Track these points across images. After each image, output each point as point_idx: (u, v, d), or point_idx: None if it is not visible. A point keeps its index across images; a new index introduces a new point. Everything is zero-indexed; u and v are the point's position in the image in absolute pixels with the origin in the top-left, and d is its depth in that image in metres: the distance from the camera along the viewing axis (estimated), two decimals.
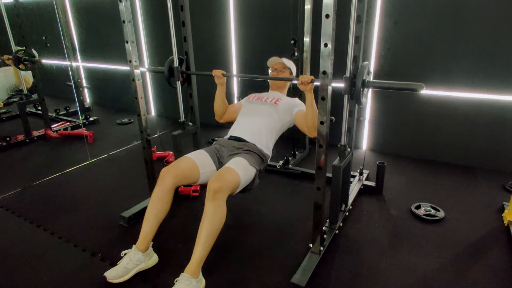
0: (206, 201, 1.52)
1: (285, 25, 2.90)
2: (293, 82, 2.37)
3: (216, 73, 2.06)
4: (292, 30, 2.71)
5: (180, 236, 1.91)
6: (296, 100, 2.13)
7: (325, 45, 1.35)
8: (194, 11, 2.37)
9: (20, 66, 3.41)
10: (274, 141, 2.00)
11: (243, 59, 3.40)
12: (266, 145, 1.92)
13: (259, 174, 1.82)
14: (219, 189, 1.50)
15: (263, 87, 3.38)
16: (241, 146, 1.87)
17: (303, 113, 1.93)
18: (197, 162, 1.75)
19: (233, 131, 2.00)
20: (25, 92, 3.60)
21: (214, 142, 1.99)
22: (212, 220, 1.48)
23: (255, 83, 3.41)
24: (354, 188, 2.26)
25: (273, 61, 2.25)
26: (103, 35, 4.30)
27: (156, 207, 1.65)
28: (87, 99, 4.87)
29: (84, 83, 4.77)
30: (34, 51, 3.40)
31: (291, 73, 2.25)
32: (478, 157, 2.63)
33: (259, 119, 1.98)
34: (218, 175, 1.56)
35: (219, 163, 1.82)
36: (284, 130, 2.08)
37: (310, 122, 1.83)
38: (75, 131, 3.65)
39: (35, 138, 3.48)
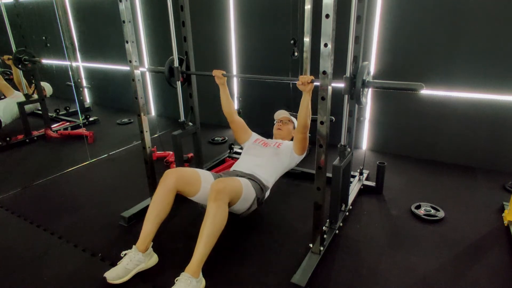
0: (208, 201, 1.53)
1: (285, 25, 2.91)
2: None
3: (216, 73, 2.07)
4: (292, 30, 2.71)
5: (180, 236, 1.91)
6: None
7: (325, 45, 1.35)
8: (194, 11, 2.37)
9: (20, 66, 3.41)
10: (274, 181, 2.05)
11: (243, 59, 3.40)
12: (266, 181, 1.96)
13: (258, 202, 1.86)
14: (222, 190, 1.53)
15: (263, 87, 3.39)
16: (243, 175, 1.92)
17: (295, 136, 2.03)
18: (201, 175, 1.78)
19: (236, 167, 2.05)
20: (25, 92, 3.60)
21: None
22: (214, 219, 1.49)
23: (255, 83, 3.42)
24: (354, 188, 2.26)
25: (280, 114, 2.40)
26: (103, 35, 4.30)
27: (157, 207, 1.65)
28: (87, 99, 4.87)
29: (84, 83, 4.77)
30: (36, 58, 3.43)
31: (294, 127, 2.34)
32: (478, 157, 2.63)
33: (261, 159, 2.04)
34: (221, 179, 1.61)
35: None
36: (288, 169, 2.16)
37: (302, 120, 1.87)
38: (75, 131, 3.65)
39: (35, 138, 3.48)
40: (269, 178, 1.98)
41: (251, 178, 1.88)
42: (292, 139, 2.39)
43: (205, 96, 2.67)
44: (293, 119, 2.41)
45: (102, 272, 1.55)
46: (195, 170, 1.81)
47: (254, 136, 2.30)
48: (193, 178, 1.74)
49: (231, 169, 2.06)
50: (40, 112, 3.68)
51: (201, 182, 1.75)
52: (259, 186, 1.88)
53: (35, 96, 3.61)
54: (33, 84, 3.54)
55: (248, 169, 1.96)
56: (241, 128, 2.25)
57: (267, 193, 1.98)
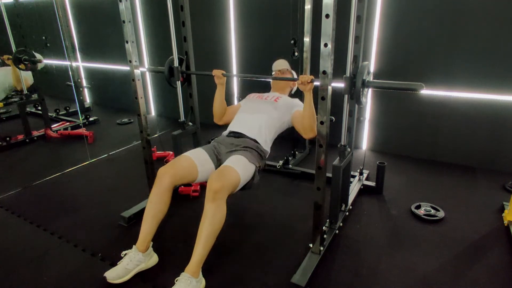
0: (206, 201, 1.51)
1: (285, 25, 2.91)
2: (296, 87, 2.39)
3: (216, 73, 2.06)
4: (292, 30, 2.71)
5: (180, 236, 1.91)
6: (297, 100, 2.14)
7: (325, 45, 1.35)
8: (194, 11, 2.37)
9: (20, 66, 3.41)
10: (273, 139, 2.00)
11: (243, 59, 3.40)
12: (265, 141, 1.91)
13: (259, 170, 1.82)
14: (219, 190, 1.49)
15: (263, 88, 3.38)
16: (240, 143, 1.86)
17: (301, 113, 1.93)
18: (195, 161, 1.74)
19: (232, 127, 2.00)
20: (25, 92, 3.60)
21: (213, 140, 1.98)
22: (212, 220, 1.48)
23: (255, 83, 3.41)
24: (354, 188, 2.26)
25: (278, 64, 2.31)
26: (103, 35, 4.30)
27: (154, 207, 1.64)
28: (87, 99, 4.87)
29: (84, 83, 4.77)
30: (38, 55, 3.41)
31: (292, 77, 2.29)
32: (478, 157, 2.63)
33: (259, 115, 1.98)
34: (218, 175, 1.55)
35: (217, 161, 1.82)
36: (283, 129, 2.08)
37: (307, 123, 1.83)
38: (75, 131, 3.65)
39: (35, 138, 3.48)
40: (268, 136, 1.92)
41: (248, 147, 1.82)
42: (290, 92, 2.36)
43: (205, 96, 2.67)
44: (293, 71, 2.36)
45: (102, 272, 1.55)
46: (189, 157, 1.75)
47: (246, 97, 2.24)
48: (188, 168, 1.70)
49: (227, 130, 2.00)
50: (40, 112, 3.68)
51: (197, 167, 1.72)
52: (258, 153, 1.83)
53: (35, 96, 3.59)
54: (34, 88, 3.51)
55: (245, 130, 1.90)
56: (232, 112, 2.17)
57: (267, 155, 1.94)
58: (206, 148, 1.86)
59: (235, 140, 1.89)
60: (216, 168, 1.75)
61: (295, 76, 2.29)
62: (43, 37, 3.85)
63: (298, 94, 2.50)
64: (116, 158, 3.07)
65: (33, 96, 3.62)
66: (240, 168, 1.65)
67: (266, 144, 1.92)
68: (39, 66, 3.68)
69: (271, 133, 1.96)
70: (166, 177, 1.64)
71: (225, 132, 2.02)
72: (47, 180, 2.65)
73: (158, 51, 3.94)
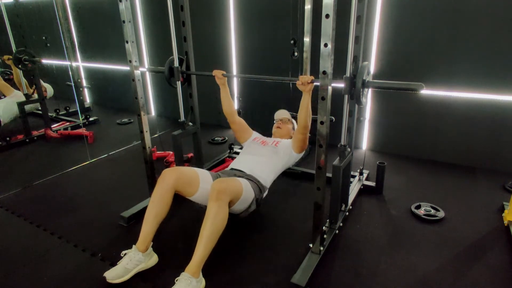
0: (209, 201, 1.53)
1: (285, 25, 2.91)
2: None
3: (216, 73, 2.06)
4: (292, 30, 2.71)
5: (180, 236, 1.91)
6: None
7: (325, 45, 1.35)
8: (194, 11, 2.37)
9: (20, 66, 3.42)
10: (273, 180, 2.05)
11: (243, 59, 3.40)
12: (264, 181, 1.96)
13: (257, 202, 1.85)
14: (223, 190, 1.53)
15: (263, 87, 3.39)
16: (241, 175, 1.91)
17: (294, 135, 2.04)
18: (199, 175, 1.78)
19: (234, 165, 2.05)
20: (25, 92, 3.61)
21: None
22: (214, 220, 1.49)
23: (255, 83, 3.42)
24: (354, 188, 2.26)
25: (280, 114, 2.42)
26: (103, 35, 4.30)
27: (156, 207, 1.65)
28: (87, 99, 4.87)
29: (84, 83, 4.76)
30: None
31: (293, 128, 2.37)
32: (478, 157, 2.63)
33: (260, 158, 2.04)
34: (222, 179, 1.61)
35: None
36: (287, 167, 2.17)
37: (302, 121, 1.87)
38: (75, 131, 3.65)
39: (35, 138, 3.48)
40: (267, 177, 1.98)
41: (250, 178, 1.88)
42: (291, 138, 2.40)
43: (205, 96, 2.67)
44: (293, 120, 2.42)
45: (102, 272, 1.55)
46: (194, 169, 1.80)
47: (254, 134, 2.30)
48: (192, 178, 1.74)
49: (229, 167, 2.06)
50: (40, 112, 3.68)
51: (199, 182, 1.74)
52: (258, 186, 1.88)
53: (35, 96, 3.61)
54: (34, 85, 3.54)
55: (246, 168, 1.96)
56: (242, 128, 2.26)
57: (265, 193, 1.98)
58: (211, 172, 1.91)
59: (238, 173, 1.95)
60: None
61: (296, 126, 2.32)
62: (43, 37, 3.85)
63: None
64: (116, 158, 3.07)
65: (33, 96, 3.62)
66: (243, 183, 1.72)
67: (265, 182, 1.97)
68: (48, 94, 3.85)
69: (270, 175, 2.01)
70: (170, 178, 1.66)
71: (227, 169, 2.07)
72: (47, 180, 2.65)
73: (158, 51, 3.93)
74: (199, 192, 1.74)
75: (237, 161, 2.08)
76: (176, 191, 1.71)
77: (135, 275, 1.59)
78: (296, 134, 2.02)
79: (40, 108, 3.62)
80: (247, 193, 1.74)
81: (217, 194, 1.52)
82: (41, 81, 3.67)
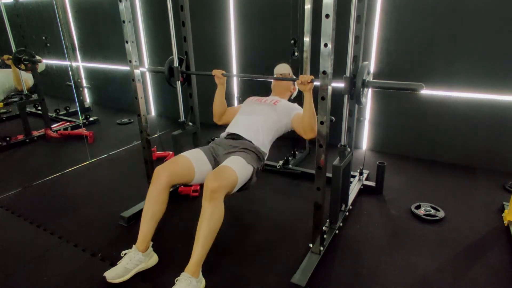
0: (203, 201, 1.50)
1: (285, 25, 2.90)
2: (296, 93, 2.39)
3: (216, 73, 2.06)
4: (292, 30, 2.71)
5: (180, 236, 1.91)
6: (295, 104, 2.14)
7: (325, 45, 1.35)
8: (194, 11, 2.37)
9: (20, 66, 3.41)
10: (272, 141, 2.00)
11: (243, 59, 3.40)
12: (263, 143, 1.91)
13: (257, 172, 1.81)
14: (216, 189, 1.48)
15: (263, 87, 3.38)
16: (238, 144, 1.85)
17: (300, 116, 1.93)
18: (192, 161, 1.73)
19: (230, 128, 2.00)
20: (25, 92, 3.60)
21: (211, 142, 1.98)
22: (210, 220, 1.48)
23: (255, 83, 3.41)
24: (354, 188, 2.26)
25: (280, 68, 2.34)
26: (103, 35, 4.30)
27: (152, 207, 1.64)
28: (87, 99, 4.87)
29: (84, 83, 4.77)
30: (38, 57, 3.41)
31: (293, 83, 2.29)
32: (478, 157, 2.63)
33: (257, 117, 1.98)
34: (215, 174, 1.54)
35: (215, 162, 1.81)
36: (282, 132, 2.08)
37: (306, 123, 1.82)
38: (75, 131, 3.65)
39: (35, 138, 3.48)
40: (266, 139, 1.92)
41: (247, 147, 1.82)
42: (290, 97, 2.36)
43: (205, 96, 2.67)
44: (294, 77, 2.36)
45: (102, 272, 1.55)
46: (186, 157, 1.74)
47: (246, 100, 2.23)
48: (186, 168, 1.70)
49: (226, 131, 2.00)
50: (40, 112, 3.68)
51: (194, 168, 1.72)
52: (256, 155, 1.82)
53: (35, 96, 3.59)
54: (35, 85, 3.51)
55: (244, 132, 1.90)
56: (232, 113, 2.17)
57: (266, 157, 1.93)
58: (204, 149, 1.86)
59: (233, 142, 1.89)
60: (213, 169, 1.74)
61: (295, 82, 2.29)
62: (43, 37, 3.85)
63: (297, 98, 2.50)
64: (116, 158, 3.07)
65: (33, 96, 3.62)
66: (238, 168, 1.64)
67: (264, 146, 1.92)
68: (40, 68, 3.69)
69: (269, 135, 1.96)
70: (163, 176, 1.64)
71: (223, 134, 2.02)
72: (47, 180, 2.65)
73: (158, 51, 3.94)
74: (196, 177, 1.72)
75: (233, 123, 2.01)
76: (174, 184, 1.69)
77: (135, 275, 1.59)
78: (304, 134, 1.91)
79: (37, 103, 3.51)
80: (244, 175, 1.67)
81: (210, 193, 1.48)
82: (20, 72, 3.50)
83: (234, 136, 1.92)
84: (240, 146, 1.84)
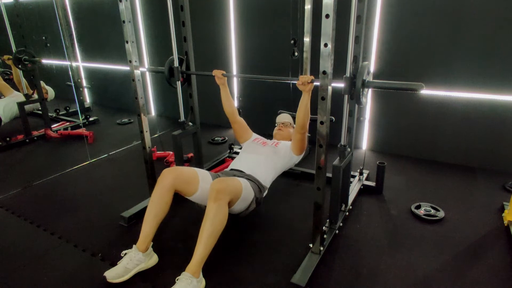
0: (208, 201, 1.53)
1: (285, 25, 2.91)
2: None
3: (216, 73, 2.07)
4: (292, 30, 2.71)
5: (180, 236, 1.91)
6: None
7: (325, 45, 1.35)
8: (194, 11, 2.37)
9: (20, 66, 3.42)
10: (272, 180, 2.06)
11: (243, 59, 3.40)
12: (264, 180, 1.96)
13: (257, 201, 1.86)
14: (222, 190, 1.53)
15: (263, 88, 3.38)
16: (241, 175, 1.92)
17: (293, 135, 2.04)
18: (199, 175, 1.78)
19: (234, 165, 2.05)
20: (25, 92, 3.61)
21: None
22: (213, 220, 1.49)
23: (255, 83, 3.42)
24: (354, 188, 2.26)
25: (282, 118, 2.43)
26: (103, 35, 4.30)
27: (156, 207, 1.65)
28: (87, 99, 4.87)
29: (84, 83, 4.76)
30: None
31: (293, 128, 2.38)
32: (478, 157, 2.63)
33: (259, 157, 2.05)
34: (221, 179, 1.60)
35: None
36: (283, 171, 2.16)
37: (300, 120, 1.87)
38: (75, 131, 3.65)
39: (35, 138, 3.48)
40: (267, 177, 1.98)
41: (249, 178, 1.88)
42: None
43: (205, 96, 2.67)
44: (294, 125, 2.43)
45: (102, 272, 1.55)
46: (193, 169, 1.81)
47: (255, 136, 2.31)
48: (191, 178, 1.74)
49: (229, 167, 2.06)
50: (40, 112, 3.69)
51: (199, 182, 1.75)
52: (257, 186, 1.88)
53: (35, 96, 3.61)
54: (34, 86, 3.54)
55: (246, 168, 1.96)
56: (243, 128, 2.27)
57: (265, 193, 1.98)
58: (210, 172, 1.92)
59: (237, 173, 1.95)
60: None
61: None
62: (43, 37, 3.85)
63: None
64: (116, 158, 3.07)
65: (33, 96, 3.62)
66: (243, 183, 1.73)
67: (265, 182, 1.97)
68: (49, 97, 3.87)
69: (270, 174, 2.02)
70: (169, 178, 1.66)
71: (227, 169, 2.07)
72: (47, 180, 2.65)
73: (158, 51, 3.93)
74: (198, 191, 1.74)
75: (236, 161, 2.08)
76: (176, 190, 1.71)
77: (135, 275, 1.59)
78: (294, 134, 2.02)
79: (40, 108, 3.62)
80: (247, 193, 1.75)
81: (216, 194, 1.51)
82: (43, 83, 3.68)
83: (237, 173, 1.97)
84: (244, 176, 1.90)
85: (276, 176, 2.10)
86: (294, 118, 2.39)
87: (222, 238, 1.54)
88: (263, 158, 2.04)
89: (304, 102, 1.79)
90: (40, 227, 2.02)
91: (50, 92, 3.99)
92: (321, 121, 1.46)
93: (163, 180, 1.67)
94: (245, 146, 2.25)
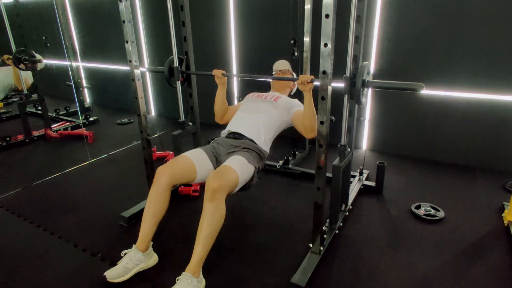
0: (204, 201, 1.51)
1: (285, 25, 2.91)
2: (295, 88, 2.39)
3: (216, 73, 2.06)
4: (292, 30, 2.71)
5: (180, 236, 1.91)
6: (296, 100, 2.14)
7: (325, 45, 1.35)
8: (194, 11, 2.37)
9: (20, 66, 3.41)
10: (272, 139, 2.00)
11: (243, 59, 3.40)
12: (264, 141, 1.91)
13: (258, 171, 1.82)
14: (218, 189, 1.49)
15: (263, 88, 3.38)
16: (239, 144, 1.86)
17: (301, 113, 1.93)
18: (194, 161, 1.74)
19: (231, 127, 2.00)
20: (25, 92, 3.60)
21: (212, 141, 1.98)
22: (211, 220, 1.48)
23: (255, 83, 3.41)
24: (354, 188, 2.26)
25: (279, 65, 2.33)
26: (103, 35, 4.30)
27: (153, 207, 1.64)
28: (87, 99, 4.87)
29: (84, 83, 4.77)
30: (38, 55, 3.41)
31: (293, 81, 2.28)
32: (478, 157, 2.63)
33: (258, 115, 1.98)
34: (217, 174, 1.55)
35: (217, 162, 1.81)
36: (283, 129, 2.08)
37: (307, 123, 1.83)
38: (75, 131, 3.65)
39: (35, 138, 3.48)
40: (267, 137, 1.92)
41: (249, 147, 1.82)
42: (289, 93, 2.36)
43: (205, 96, 2.67)
44: (293, 73, 2.38)
45: (102, 272, 1.55)
46: (188, 157, 1.75)
47: (246, 96, 2.24)
48: (187, 168, 1.71)
49: (227, 129, 2.00)
50: (40, 112, 3.68)
51: (196, 168, 1.72)
52: (257, 154, 1.83)
53: (35, 96, 3.60)
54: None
55: (247, 131, 1.90)
56: (233, 112, 2.17)
57: (267, 154, 1.94)
58: (206, 148, 1.86)
59: (234, 142, 1.89)
60: (215, 169, 1.74)
61: (295, 75, 2.30)
62: (43, 37, 3.85)
63: (298, 95, 2.50)
64: (116, 158, 3.07)
65: (33, 96, 3.62)
66: (239, 168, 1.64)
67: (265, 145, 1.92)
68: (39, 66, 3.68)
69: (270, 133, 1.96)
70: (165, 177, 1.64)
71: (224, 132, 2.02)
72: (47, 180, 2.65)
73: (158, 51, 3.94)
74: (198, 176, 1.73)
75: (234, 121, 2.01)
76: (175, 184, 1.69)
77: (135, 275, 1.59)
78: (305, 133, 1.92)
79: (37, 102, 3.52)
80: (245, 175, 1.68)
81: (212, 193, 1.48)
82: (20, 71, 3.49)
83: (236, 135, 1.93)
84: (242, 145, 1.84)
85: (276, 135, 2.02)
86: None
87: (222, 238, 1.54)
88: (263, 116, 1.96)
89: (307, 102, 1.77)
90: (40, 227, 2.02)
91: (40, 64, 3.81)
92: (321, 121, 1.46)
93: (159, 179, 1.65)
94: (244, 102, 2.17)
